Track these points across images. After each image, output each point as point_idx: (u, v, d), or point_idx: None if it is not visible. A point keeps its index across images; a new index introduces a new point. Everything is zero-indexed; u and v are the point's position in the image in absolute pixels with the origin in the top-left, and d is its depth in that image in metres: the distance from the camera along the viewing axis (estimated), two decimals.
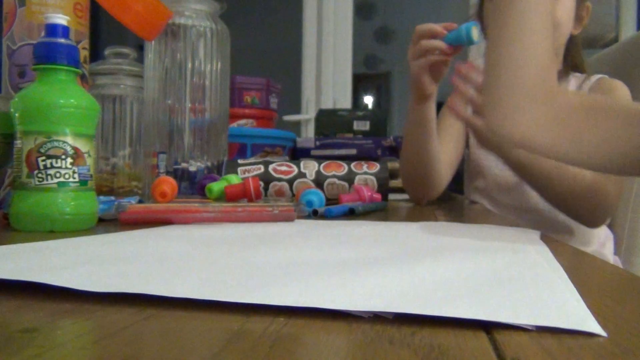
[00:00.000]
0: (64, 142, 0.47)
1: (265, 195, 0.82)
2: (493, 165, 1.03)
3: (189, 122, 0.82)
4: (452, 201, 1.10)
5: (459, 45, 0.79)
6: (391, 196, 0.99)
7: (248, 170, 0.82)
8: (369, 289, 0.25)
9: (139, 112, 0.88)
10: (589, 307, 0.23)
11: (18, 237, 0.43)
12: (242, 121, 1.31)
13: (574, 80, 1.01)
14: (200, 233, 0.46)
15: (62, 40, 0.48)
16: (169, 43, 0.81)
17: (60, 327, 0.20)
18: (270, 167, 0.83)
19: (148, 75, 0.83)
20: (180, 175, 0.81)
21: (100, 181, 0.83)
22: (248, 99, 1.33)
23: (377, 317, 0.21)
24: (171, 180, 0.64)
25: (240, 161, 0.84)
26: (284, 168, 0.83)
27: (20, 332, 0.19)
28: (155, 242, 0.40)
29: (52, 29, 0.48)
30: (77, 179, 0.47)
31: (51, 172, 0.46)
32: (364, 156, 1.21)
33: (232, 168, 0.83)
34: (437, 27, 0.80)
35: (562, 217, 0.96)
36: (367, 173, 0.85)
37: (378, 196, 0.79)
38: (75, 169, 0.47)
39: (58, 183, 0.46)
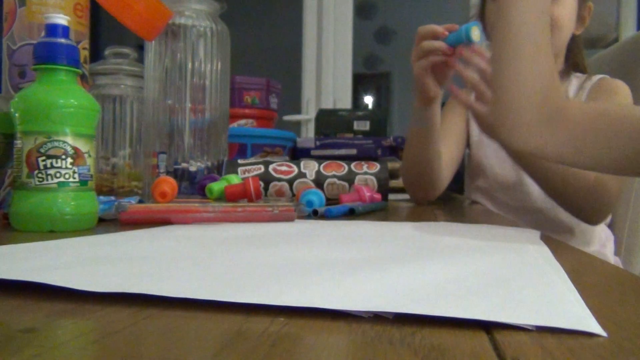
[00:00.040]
0: (64, 142, 0.47)
1: (265, 195, 0.82)
2: (494, 165, 1.03)
3: (189, 122, 0.82)
4: (452, 201, 1.10)
5: (460, 46, 0.79)
6: (391, 196, 0.99)
7: (248, 170, 0.82)
8: (369, 289, 0.25)
9: (139, 112, 0.88)
10: (589, 307, 0.23)
11: (18, 237, 0.43)
12: (242, 121, 1.31)
13: (575, 80, 1.01)
14: (200, 233, 0.46)
15: (62, 40, 0.48)
16: (169, 43, 0.82)
17: (60, 327, 0.20)
18: (271, 167, 0.83)
19: (148, 76, 0.83)
20: (180, 175, 0.81)
21: (100, 181, 0.83)
22: (248, 99, 1.33)
23: (377, 317, 0.21)
24: (171, 180, 0.64)
25: (240, 161, 0.84)
26: (284, 168, 0.83)
27: (20, 332, 0.19)
28: (155, 242, 0.40)
29: (52, 29, 0.48)
30: (77, 179, 0.47)
31: (51, 172, 0.46)
32: (364, 156, 1.21)
33: (232, 168, 0.83)
34: (439, 28, 0.80)
35: (563, 217, 0.96)
36: (367, 173, 0.85)
37: (378, 196, 0.79)
38: (76, 169, 0.47)
39: (58, 183, 0.46)
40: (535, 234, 0.50)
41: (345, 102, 2.46)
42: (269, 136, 1.23)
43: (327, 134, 1.36)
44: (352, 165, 0.85)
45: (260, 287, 0.25)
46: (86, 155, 0.48)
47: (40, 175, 0.46)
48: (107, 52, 0.91)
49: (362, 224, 0.57)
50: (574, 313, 0.22)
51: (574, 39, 0.98)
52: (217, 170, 0.84)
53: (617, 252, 1.02)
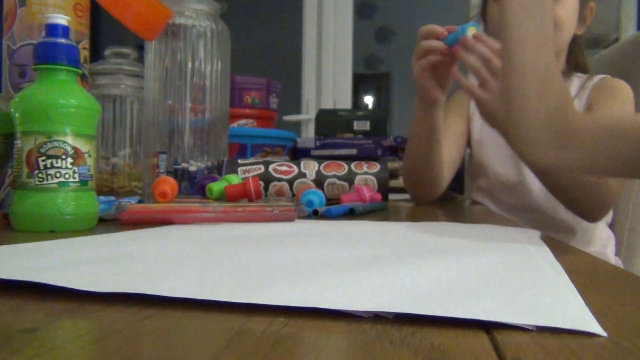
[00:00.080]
0: (64, 142, 0.47)
1: (266, 195, 0.82)
2: (495, 164, 1.03)
3: (189, 122, 0.82)
4: (452, 201, 1.10)
5: (457, 46, 0.79)
6: (391, 196, 0.99)
7: (248, 170, 0.82)
8: (369, 289, 0.25)
9: (139, 112, 0.88)
10: (589, 307, 0.23)
11: (18, 237, 0.43)
12: (242, 121, 1.31)
13: (576, 80, 1.01)
14: (201, 233, 0.46)
15: (63, 40, 0.48)
16: (169, 43, 0.82)
17: (60, 327, 0.20)
18: (271, 167, 0.83)
19: (148, 75, 0.83)
20: (180, 175, 0.81)
21: (100, 181, 0.83)
22: (248, 99, 1.33)
23: (377, 317, 0.21)
24: (171, 180, 0.64)
25: (240, 161, 0.84)
26: (284, 168, 0.83)
27: (20, 332, 0.19)
28: (155, 242, 0.40)
29: (53, 29, 0.48)
30: (77, 179, 0.47)
31: (51, 172, 0.46)
32: (364, 156, 1.21)
33: (232, 168, 0.83)
34: (438, 28, 0.80)
35: (564, 216, 0.96)
36: (367, 173, 0.85)
37: (378, 196, 0.79)
38: (76, 169, 0.47)
39: (58, 183, 0.46)
40: (536, 234, 0.50)
41: (345, 102, 2.46)
42: (269, 136, 1.23)
43: (327, 134, 1.36)
44: (352, 165, 0.85)
45: (260, 287, 0.25)
46: (86, 155, 0.48)
47: (40, 175, 0.46)
48: (107, 52, 0.91)
49: (362, 224, 0.57)
50: (574, 313, 0.22)
51: (575, 39, 0.98)
52: (217, 170, 0.84)
53: (617, 253, 1.02)
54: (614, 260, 0.98)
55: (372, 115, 1.38)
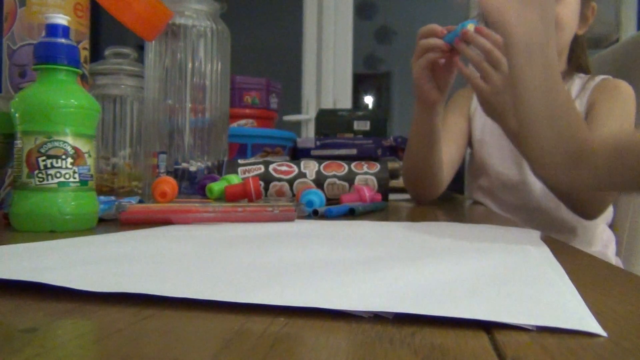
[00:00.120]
0: (64, 142, 0.47)
1: (266, 195, 0.82)
2: (497, 164, 1.03)
3: (189, 122, 0.82)
4: (452, 201, 1.10)
5: (457, 40, 0.79)
6: (391, 196, 0.99)
7: (248, 170, 0.82)
8: (369, 289, 0.25)
9: (139, 112, 0.88)
10: (589, 307, 0.23)
11: (18, 237, 0.43)
12: (242, 121, 1.31)
13: (578, 80, 1.01)
14: (200, 233, 0.46)
15: (63, 40, 0.48)
16: (169, 43, 0.82)
17: (60, 327, 0.20)
18: (271, 167, 0.83)
19: (148, 75, 0.83)
20: (180, 175, 0.81)
21: (100, 181, 0.84)
22: (248, 99, 1.33)
23: (377, 317, 0.21)
24: (171, 180, 0.64)
25: (240, 161, 0.84)
26: (284, 168, 0.83)
27: (20, 332, 0.19)
28: (155, 242, 0.40)
29: (53, 29, 0.48)
30: (77, 179, 0.47)
31: (51, 172, 0.46)
32: (364, 156, 1.21)
33: (232, 168, 0.83)
34: (438, 28, 0.79)
35: (566, 216, 0.95)
36: (367, 173, 0.85)
37: (378, 196, 0.79)
38: (76, 169, 0.47)
39: (58, 183, 0.46)
40: (536, 234, 0.50)
41: (345, 102, 2.46)
42: (269, 136, 1.23)
43: (327, 134, 1.36)
44: (352, 165, 0.85)
45: (260, 287, 0.25)
46: (86, 155, 0.48)
47: (40, 175, 0.46)
48: (107, 52, 0.91)
49: (363, 224, 0.57)
50: (574, 313, 0.22)
51: (577, 39, 0.98)
52: (217, 170, 0.84)
53: (617, 253, 1.02)
54: (614, 260, 0.98)
55: (372, 115, 1.38)
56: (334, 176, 0.83)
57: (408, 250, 0.37)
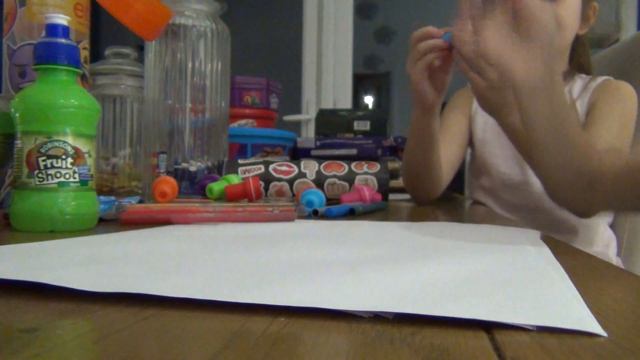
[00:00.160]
0: (65, 142, 0.47)
1: (266, 195, 0.82)
2: (500, 164, 1.03)
3: (189, 122, 0.82)
4: (452, 201, 1.10)
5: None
6: (392, 196, 0.99)
7: (248, 170, 0.82)
8: (369, 289, 0.25)
9: (139, 112, 0.88)
10: (589, 307, 0.23)
11: (18, 237, 0.43)
12: (242, 121, 1.31)
13: (579, 81, 1.01)
14: (201, 233, 0.46)
15: (63, 40, 0.48)
16: (169, 43, 0.82)
17: (60, 327, 0.20)
18: (271, 167, 0.83)
19: (148, 76, 0.83)
20: (180, 175, 0.81)
21: (100, 181, 0.84)
22: (248, 99, 1.33)
23: (377, 317, 0.21)
24: (171, 180, 0.64)
25: (240, 161, 0.84)
26: (284, 168, 0.83)
27: (20, 332, 0.19)
28: (156, 242, 0.40)
29: (53, 29, 0.48)
30: (77, 179, 0.47)
31: (51, 172, 0.46)
32: (365, 156, 1.21)
33: (233, 168, 0.83)
34: (434, 29, 0.78)
35: (567, 217, 0.95)
36: (367, 173, 0.85)
37: (378, 196, 0.79)
38: (76, 169, 0.47)
39: (58, 183, 0.46)
40: (536, 234, 0.50)
41: (345, 102, 2.46)
42: (269, 136, 1.23)
43: (327, 134, 1.36)
44: (353, 165, 0.85)
45: (260, 287, 0.25)
46: (86, 155, 0.48)
47: (40, 175, 0.46)
48: (107, 52, 0.91)
49: (363, 224, 0.57)
50: (575, 313, 0.22)
51: (578, 39, 0.98)
52: (217, 170, 0.84)
53: (618, 253, 1.02)
54: (615, 260, 0.98)
55: (372, 115, 1.38)
56: (334, 176, 0.83)
57: (408, 251, 0.37)
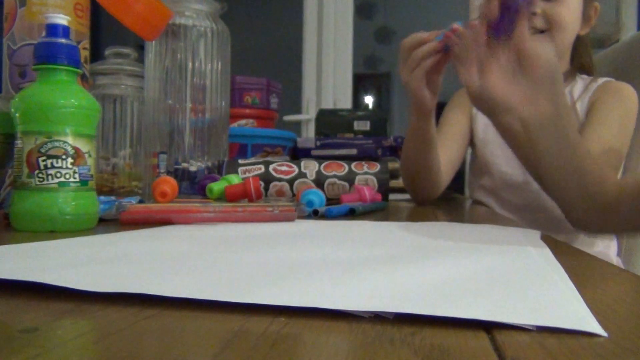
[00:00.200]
0: (65, 142, 0.47)
1: (266, 195, 0.82)
2: (501, 163, 1.03)
3: (189, 122, 0.82)
4: (452, 201, 1.10)
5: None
6: (392, 196, 0.99)
7: (248, 170, 0.82)
8: (369, 289, 0.25)
9: (140, 112, 0.88)
10: (589, 307, 0.23)
11: (18, 237, 0.43)
12: (243, 121, 1.31)
13: (580, 81, 1.00)
14: (201, 233, 0.46)
15: (63, 41, 0.48)
16: (170, 43, 0.82)
17: (60, 327, 0.20)
18: (271, 167, 0.83)
19: (148, 76, 0.83)
20: (180, 175, 0.81)
21: (100, 181, 0.84)
22: (248, 99, 1.33)
23: (377, 317, 0.21)
24: (171, 180, 0.64)
25: (240, 161, 0.84)
26: (284, 168, 0.83)
27: (20, 332, 0.19)
28: (156, 242, 0.40)
29: (53, 29, 0.48)
30: (77, 179, 0.47)
31: (52, 172, 0.46)
32: (365, 156, 1.21)
33: (233, 168, 0.83)
34: (424, 34, 0.77)
35: None
36: (367, 173, 0.85)
37: (378, 196, 0.79)
38: (76, 169, 0.47)
39: (58, 183, 0.46)
40: (536, 234, 0.50)
41: (345, 102, 2.46)
42: (269, 136, 1.23)
43: (327, 134, 1.36)
44: (353, 165, 0.85)
45: (260, 287, 0.25)
46: (87, 155, 0.48)
47: (40, 175, 0.46)
48: (107, 52, 0.91)
49: (363, 224, 0.57)
50: (575, 313, 0.22)
51: (579, 39, 0.98)
52: (218, 170, 0.84)
53: (618, 253, 1.02)
54: (615, 260, 0.98)
55: (372, 115, 1.38)
56: (334, 176, 0.83)
57: (408, 251, 0.37)
